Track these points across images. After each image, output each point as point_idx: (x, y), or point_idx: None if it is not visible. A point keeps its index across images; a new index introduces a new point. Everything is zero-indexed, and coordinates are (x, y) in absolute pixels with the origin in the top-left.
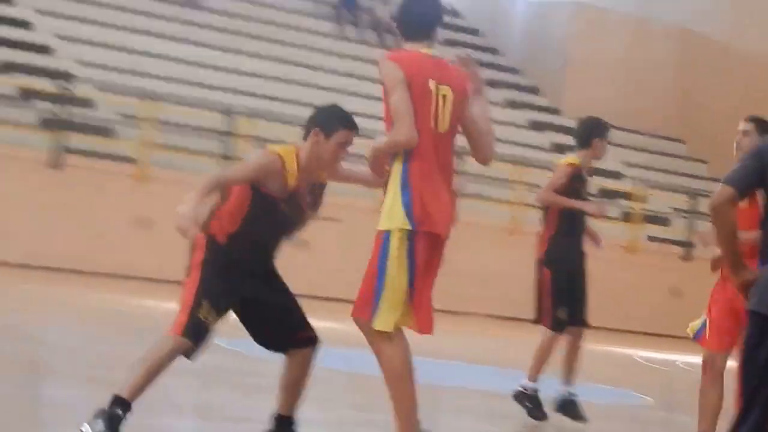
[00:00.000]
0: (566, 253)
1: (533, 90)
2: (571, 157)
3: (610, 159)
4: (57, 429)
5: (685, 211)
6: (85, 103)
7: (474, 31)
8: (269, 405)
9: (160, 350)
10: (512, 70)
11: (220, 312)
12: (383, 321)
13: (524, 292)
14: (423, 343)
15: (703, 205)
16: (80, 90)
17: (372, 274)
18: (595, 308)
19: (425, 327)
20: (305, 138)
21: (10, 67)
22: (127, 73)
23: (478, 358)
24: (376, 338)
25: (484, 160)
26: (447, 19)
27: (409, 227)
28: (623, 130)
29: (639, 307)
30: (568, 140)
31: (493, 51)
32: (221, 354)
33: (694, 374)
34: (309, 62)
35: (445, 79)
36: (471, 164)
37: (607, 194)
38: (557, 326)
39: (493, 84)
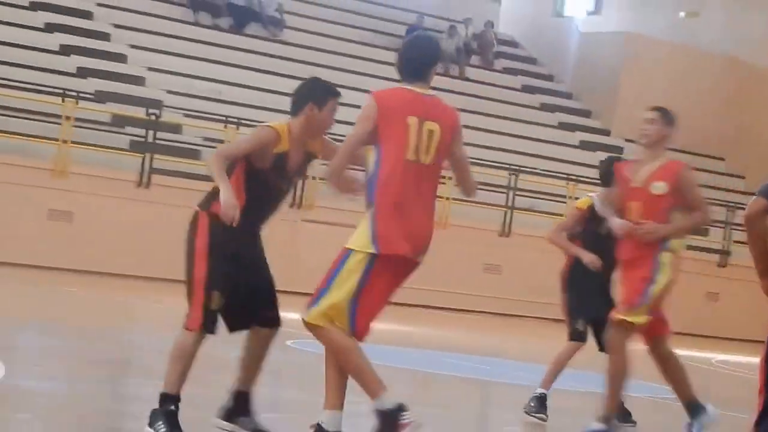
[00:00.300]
0: (581, 279)
1: (585, 113)
2: (584, 200)
3: None
4: (142, 422)
5: (722, 222)
6: (172, 128)
7: (532, 60)
8: None
9: (184, 346)
10: (566, 95)
11: (226, 294)
12: (313, 317)
13: None
14: (480, 343)
15: (740, 216)
16: (167, 116)
17: (325, 279)
18: None
19: (360, 335)
20: (296, 114)
21: (104, 97)
22: (210, 100)
23: (529, 356)
24: (314, 328)
25: (467, 193)
26: (508, 49)
27: (372, 251)
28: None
29: (678, 309)
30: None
31: (549, 78)
32: (288, 352)
33: (728, 371)
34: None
35: (433, 116)
36: (526, 182)
37: None
38: (575, 336)
39: (548, 108)
